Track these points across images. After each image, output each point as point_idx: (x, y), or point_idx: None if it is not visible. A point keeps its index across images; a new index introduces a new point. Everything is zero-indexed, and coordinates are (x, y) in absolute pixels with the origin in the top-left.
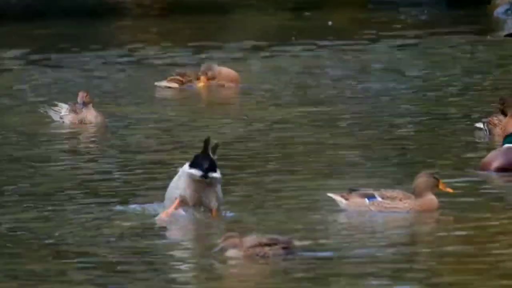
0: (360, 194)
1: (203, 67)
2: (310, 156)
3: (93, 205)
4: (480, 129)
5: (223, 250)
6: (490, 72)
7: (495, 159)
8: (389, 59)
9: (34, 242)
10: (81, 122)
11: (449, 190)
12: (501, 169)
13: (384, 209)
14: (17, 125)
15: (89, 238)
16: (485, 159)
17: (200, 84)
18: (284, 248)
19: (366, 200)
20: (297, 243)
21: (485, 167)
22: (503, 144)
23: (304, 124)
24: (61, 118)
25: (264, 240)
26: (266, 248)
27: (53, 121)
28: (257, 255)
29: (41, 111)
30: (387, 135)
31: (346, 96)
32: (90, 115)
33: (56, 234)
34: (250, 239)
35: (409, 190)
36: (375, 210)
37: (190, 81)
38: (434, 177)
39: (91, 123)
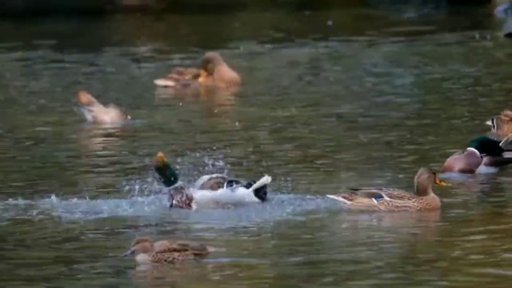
0: (365, 194)
1: (203, 58)
2: (308, 156)
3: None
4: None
5: (134, 254)
6: (490, 71)
7: (457, 161)
8: (389, 58)
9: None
10: (95, 121)
11: (443, 183)
12: (462, 172)
13: (395, 208)
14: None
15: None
16: (447, 162)
17: (201, 79)
18: (195, 254)
19: (374, 200)
20: (210, 249)
21: (447, 169)
22: (469, 146)
23: (304, 124)
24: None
25: (174, 245)
26: (176, 254)
27: (86, 120)
28: (165, 260)
29: (75, 110)
30: (388, 135)
31: (347, 95)
32: (105, 115)
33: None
34: (160, 244)
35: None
36: (385, 210)
37: (188, 79)
38: (433, 172)
39: (105, 123)
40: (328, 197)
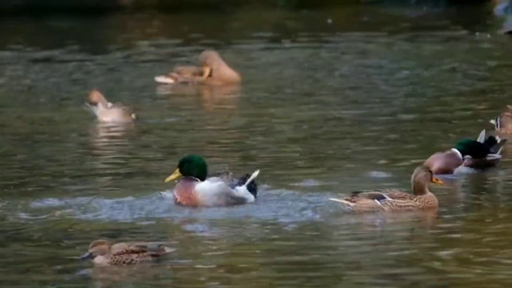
0: (367, 196)
1: (201, 57)
2: (308, 155)
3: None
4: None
5: (91, 256)
6: (491, 70)
7: (435, 161)
8: (389, 57)
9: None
10: (99, 121)
11: (440, 182)
12: (441, 171)
13: (398, 208)
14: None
15: None
16: (428, 161)
17: (205, 76)
18: (153, 255)
19: (376, 201)
20: (168, 250)
21: None
22: (454, 147)
23: (304, 122)
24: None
25: (132, 247)
26: (134, 255)
27: (95, 118)
28: (124, 262)
29: (86, 107)
30: (388, 133)
31: (347, 93)
32: (106, 114)
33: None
34: (118, 246)
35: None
36: (388, 211)
37: (187, 78)
38: (429, 171)
39: (107, 122)
40: (330, 200)
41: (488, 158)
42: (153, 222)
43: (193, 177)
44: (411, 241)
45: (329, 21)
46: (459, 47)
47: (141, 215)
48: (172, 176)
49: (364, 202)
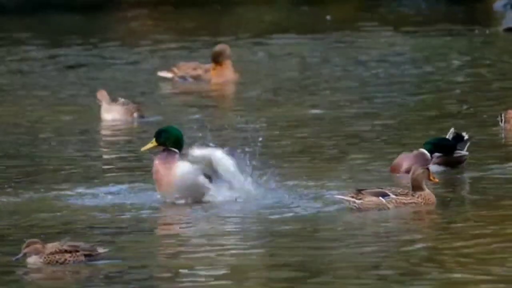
0: (372, 193)
1: (215, 49)
2: (307, 153)
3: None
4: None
5: (25, 256)
6: (490, 66)
7: (404, 161)
8: (388, 54)
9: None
10: (102, 119)
11: (436, 180)
12: (409, 171)
13: (402, 205)
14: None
15: None
16: (396, 161)
17: (211, 72)
18: (86, 255)
19: (381, 198)
20: (100, 250)
21: (395, 169)
22: (422, 147)
23: (304, 120)
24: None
25: (65, 246)
26: (67, 255)
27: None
28: (57, 261)
29: (99, 103)
30: (388, 130)
31: (345, 90)
32: (107, 113)
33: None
34: (51, 246)
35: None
36: (393, 208)
37: (187, 74)
38: (427, 168)
39: (107, 120)
40: (336, 197)
41: (456, 155)
42: (154, 220)
43: (174, 150)
44: (411, 240)
45: (328, 17)
46: (458, 44)
47: (141, 214)
48: (148, 145)
49: (370, 199)
